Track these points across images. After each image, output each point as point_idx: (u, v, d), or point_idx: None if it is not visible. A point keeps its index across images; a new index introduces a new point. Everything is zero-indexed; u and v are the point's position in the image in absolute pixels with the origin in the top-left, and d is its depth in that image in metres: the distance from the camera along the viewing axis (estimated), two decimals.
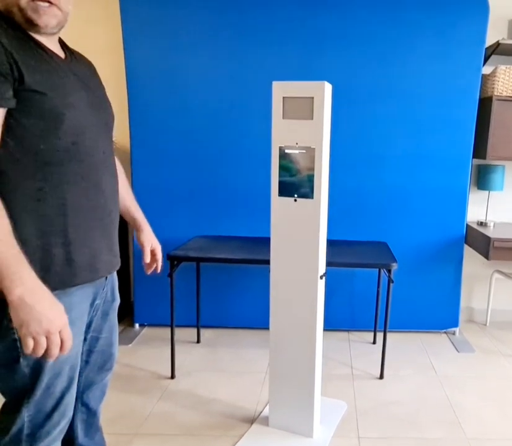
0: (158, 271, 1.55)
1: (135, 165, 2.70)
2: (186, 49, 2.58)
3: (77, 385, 1.35)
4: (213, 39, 2.57)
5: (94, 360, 1.36)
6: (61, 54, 1.15)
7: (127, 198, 1.44)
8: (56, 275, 1.04)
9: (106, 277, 1.28)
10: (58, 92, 1.06)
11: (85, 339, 1.30)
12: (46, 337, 0.98)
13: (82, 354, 1.32)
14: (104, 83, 1.30)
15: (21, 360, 1.09)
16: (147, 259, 1.50)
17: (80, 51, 1.28)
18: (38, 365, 1.11)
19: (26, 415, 1.14)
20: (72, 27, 2.13)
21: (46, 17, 1.04)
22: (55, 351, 1.00)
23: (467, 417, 2.06)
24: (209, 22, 2.55)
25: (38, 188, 1.05)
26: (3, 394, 1.16)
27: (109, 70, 2.75)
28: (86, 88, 1.17)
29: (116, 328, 1.41)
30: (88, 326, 1.29)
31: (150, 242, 1.50)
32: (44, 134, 1.04)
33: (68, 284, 1.09)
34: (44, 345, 0.98)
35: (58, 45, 1.16)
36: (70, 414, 1.23)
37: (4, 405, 1.17)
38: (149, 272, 1.55)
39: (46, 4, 1.03)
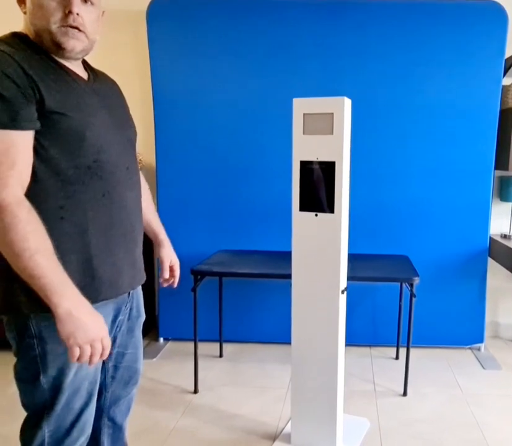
0: (175, 286, 1.57)
1: (160, 182, 2.76)
2: (210, 70, 2.65)
3: (104, 400, 1.38)
4: (235, 59, 2.63)
5: (120, 376, 1.38)
6: (84, 74, 1.18)
7: (149, 213, 1.46)
8: (80, 292, 1.05)
9: (129, 293, 1.29)
10: (78, 113, 1.08)
11: (110, 354, 1.32)
12: (90, 346, 1.04)
13: (108, 370, 1.35)
14: (132, 104, 1.34)
15: (41, 376, 1.11)
16: (166, 274, 1.52)
17: (109, 74, 1.33)
18: (58, 382, 1.12)
19: (46, 430, 1.16)
20: (103, 51, 2.23)
21: (73, 41, 1.09)
22: (97, 358, 1.06)
23: (494, 437, 2.01)
24: (231, 43, 2.62)
25: (60, 206, 1.07)
26: (25, 408, 1.18)
27: (137, 91, 2.86)
28: (108, 107, 1.19)
29: (141, 344, 1.43)
30: (113, 341, 1.30)
31: (169, 258, 1.51)
32: (65, 154, 1.06)
33: (91, 301, 1.09)
34: (89, 353, 1.04)
35: (81, 66, 1.19)
36: (89, 431, 1.24)
37: (26, 419, 1.19)
38: (165, 285, 1.58)
39: (75, 30, 1.09)
